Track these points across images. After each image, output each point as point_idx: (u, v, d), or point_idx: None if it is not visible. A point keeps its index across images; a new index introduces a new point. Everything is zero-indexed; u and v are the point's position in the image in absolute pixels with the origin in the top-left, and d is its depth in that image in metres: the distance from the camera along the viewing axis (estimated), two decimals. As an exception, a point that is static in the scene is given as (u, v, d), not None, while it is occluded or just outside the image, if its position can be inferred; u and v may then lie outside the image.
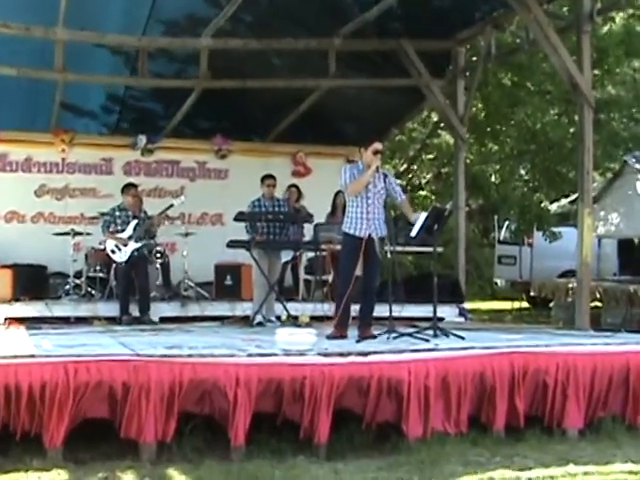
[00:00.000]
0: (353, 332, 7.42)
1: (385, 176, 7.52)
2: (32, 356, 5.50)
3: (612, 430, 6.14)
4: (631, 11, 14.54)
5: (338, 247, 8.33)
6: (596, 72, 14.20)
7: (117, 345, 6.51)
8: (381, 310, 7.54)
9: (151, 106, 13.05)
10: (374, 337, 7.22)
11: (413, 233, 7.54)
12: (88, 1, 9.67)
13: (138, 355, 5.66)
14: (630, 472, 5.22)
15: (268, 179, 9.87)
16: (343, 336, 7.31)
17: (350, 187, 7.38)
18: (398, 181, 8.37)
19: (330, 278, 10.33)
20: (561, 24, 10.31)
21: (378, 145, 7.45)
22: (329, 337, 7.22)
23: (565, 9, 12.42)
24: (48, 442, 5.26)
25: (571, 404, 6.08)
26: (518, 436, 5.99)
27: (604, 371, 6.23)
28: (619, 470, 5.27)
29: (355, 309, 7.60)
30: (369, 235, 7.31)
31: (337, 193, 10.83)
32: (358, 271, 7.45)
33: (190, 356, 5.70)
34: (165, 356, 5.68)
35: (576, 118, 10.14)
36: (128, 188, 10.24)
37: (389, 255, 7.40)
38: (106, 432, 5.56)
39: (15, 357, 5.42)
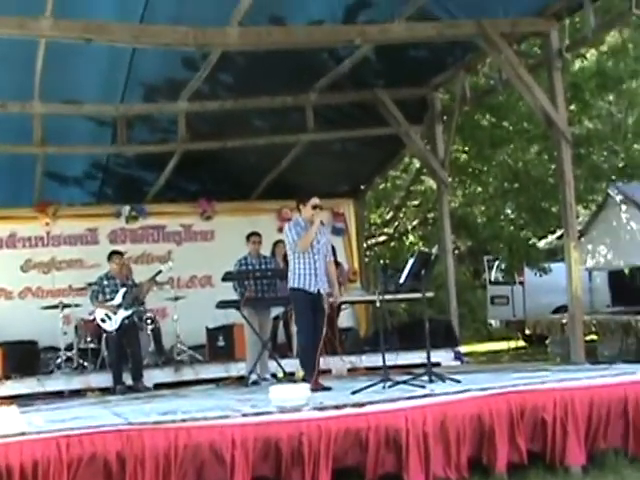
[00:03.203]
0: (349, 383, 7.37)
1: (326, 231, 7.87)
2: (22, 434, 5.37)
3: (615, 464, 6.04)
4: (604, 48, 14.77)
5: (330, 300, 8.28)
6: (572, 108, 14.33)
7: (110, 415, 6.42)
8: (375, 360, 7.50)
9: (134, 172, 13.04)
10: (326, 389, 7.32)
11: (401, 280, 7.56)
12: (63, 72, 9.70)
13: (130, 424, 5.58)
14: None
15: (253, 236, 9.92)
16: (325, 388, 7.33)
17: (300, 244, 7.61)
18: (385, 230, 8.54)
19: (324, 332, 10.25)
20: (533, 62, 10.44)
21: (316, 200, 7.71)
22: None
23: (536, 48, 12.55)
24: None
25: (571, 440, 5.99)
26: (521, 476, 5.90)
27: (602, 404, 6.16)
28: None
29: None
30: (318, 290, 7.60)
31: (276, 243, 10.92)
32: None
33: (184, 420, 5.61)
34: (158, 422, 5.59)
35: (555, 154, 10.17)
36: (113, 256, 10.22)
37: (378, 304, 7.40)
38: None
39: (4, 436, 5.27)
